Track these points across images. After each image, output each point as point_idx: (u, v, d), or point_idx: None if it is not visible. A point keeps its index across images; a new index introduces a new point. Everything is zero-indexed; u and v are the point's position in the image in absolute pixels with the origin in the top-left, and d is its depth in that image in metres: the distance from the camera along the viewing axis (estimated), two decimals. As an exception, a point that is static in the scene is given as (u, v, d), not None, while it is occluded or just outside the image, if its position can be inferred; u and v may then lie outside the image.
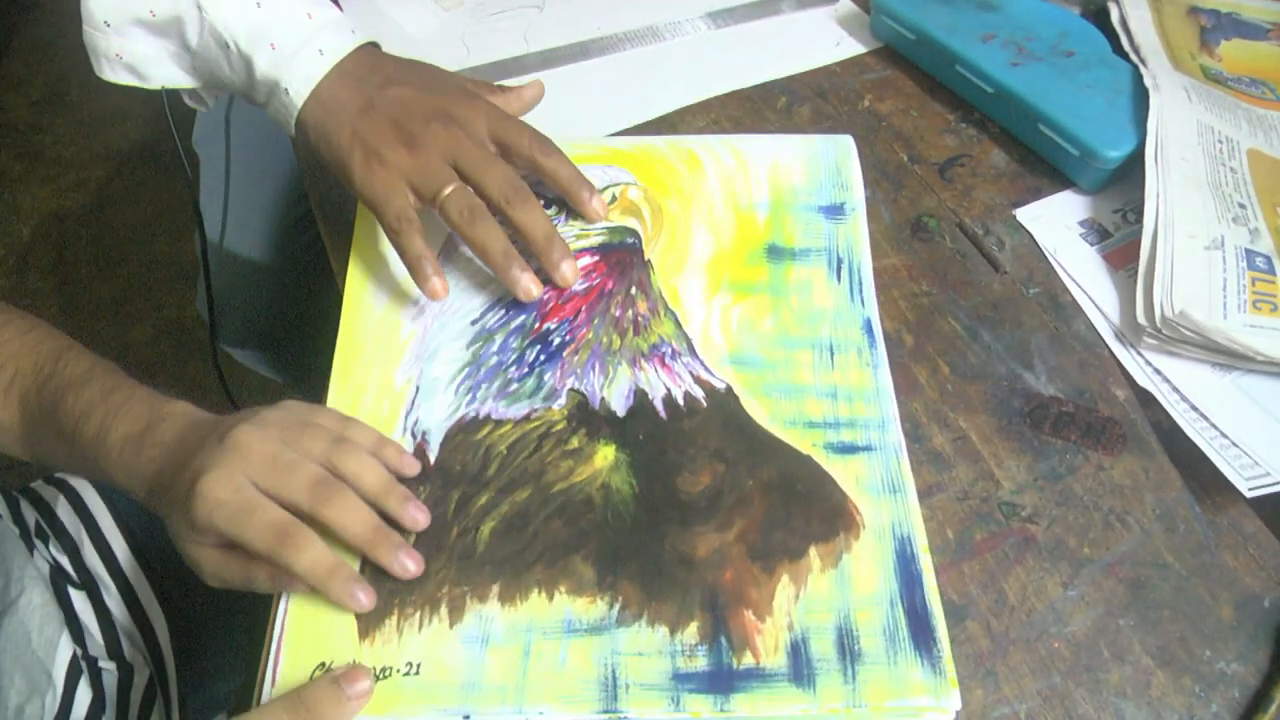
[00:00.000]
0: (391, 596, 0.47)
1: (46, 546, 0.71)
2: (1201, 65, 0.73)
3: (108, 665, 0.72)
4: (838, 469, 0.51)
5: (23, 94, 2.10)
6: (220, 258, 1.02)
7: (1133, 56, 0.72)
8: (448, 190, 0.56)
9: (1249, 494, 0.52)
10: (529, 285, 0.57)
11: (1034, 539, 0.52)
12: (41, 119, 2.06)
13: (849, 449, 0.52)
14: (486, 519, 0.50)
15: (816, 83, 0.76)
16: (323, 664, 0.45)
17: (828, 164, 0.64)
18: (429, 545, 0.49)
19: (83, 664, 0.70)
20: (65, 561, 0.71)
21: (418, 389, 0.55)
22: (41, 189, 1.94)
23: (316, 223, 0.70)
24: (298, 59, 0.58)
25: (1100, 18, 0.77)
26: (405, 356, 0.57)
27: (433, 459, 0.52)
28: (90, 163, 1.98)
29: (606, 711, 0.43)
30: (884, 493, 0.50)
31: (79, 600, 0.71)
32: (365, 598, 0.46)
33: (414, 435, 0.53)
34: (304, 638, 0.46)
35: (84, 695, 0.69)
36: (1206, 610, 0.50)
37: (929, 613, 0.46)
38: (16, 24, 2.22)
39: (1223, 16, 0.77)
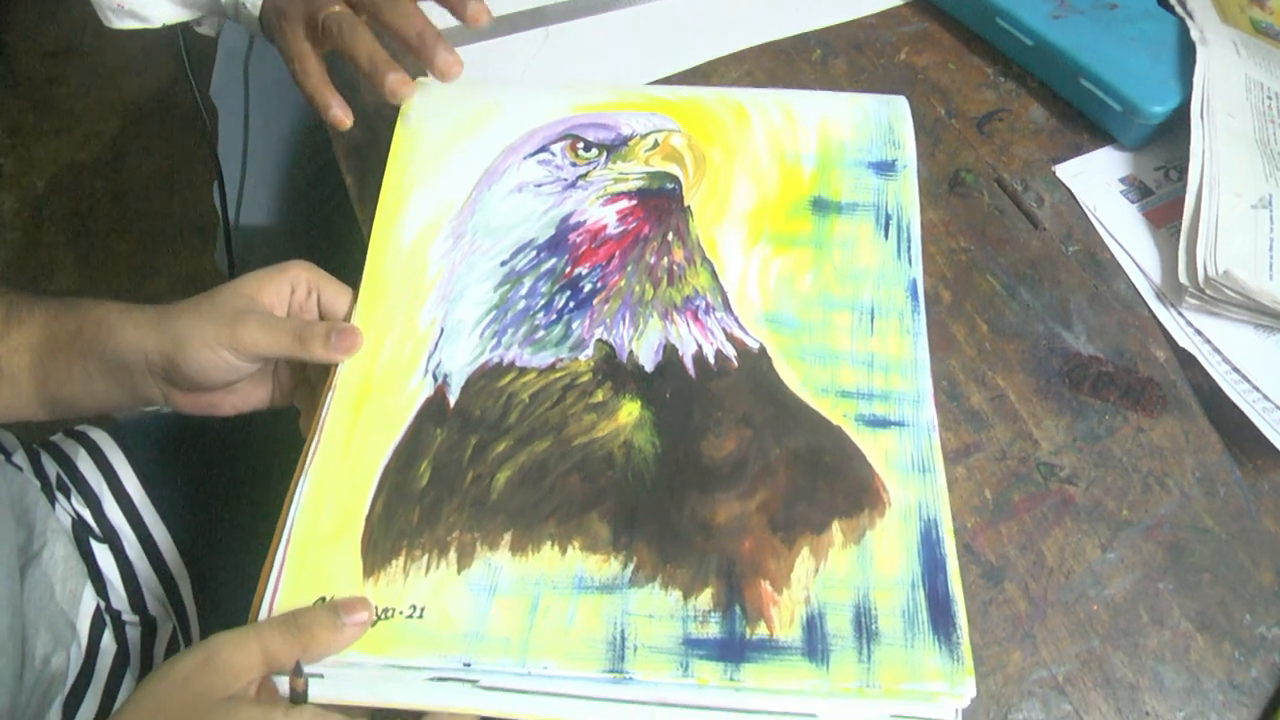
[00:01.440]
0: (400, 537, 0.46)
1: (68, 499, 0.71)
2: (1251, 18, 0.71)
3: (131, 618, 0.72)
4: (867, 443, 0.49)
5: (35, 46, 2.08)
6: (239, 210, 1.02)
7: (1179, 9, 0.70)
8: (324, 12, 0.60)
9: (1292, 457, 0.51)
10: (395, 85, 0.59)
11: (1072, 500, 0.52)
12: (55, 71, 2.04)
13: (881, 423, 0.50)
14: (503, 467, 0.49)
15: (852, 35, 0.75)
16: (323, 599, 0.45)
17: (880, 122, 0.62)
18: (442, 489, 0.48)
19: (106, 617, 0.71)
20: (87, 514, 0.72)
21: (442, 330, 0.54)
22: (56, 141, 1.93)
23: (335, 174, 0.70)
24: None
25: (1145, -31, 0.75)
26: (431, 296, 0.56)
27: (452, 402, 0.52)
28: (105, 115, 1.97)
29: (612, 671, 0.43)
30: (913, 471, 0.48)
31: (101, 553, 0.72)
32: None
33: (435, 378, 0.52)
34: (306, 572, 0.46)
35: (108, 647, 0.69)
36: (1247, 575, 0.50)
37: (950, 599, 0.44)
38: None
39: (1272, -31, 0.75)
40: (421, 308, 0.55)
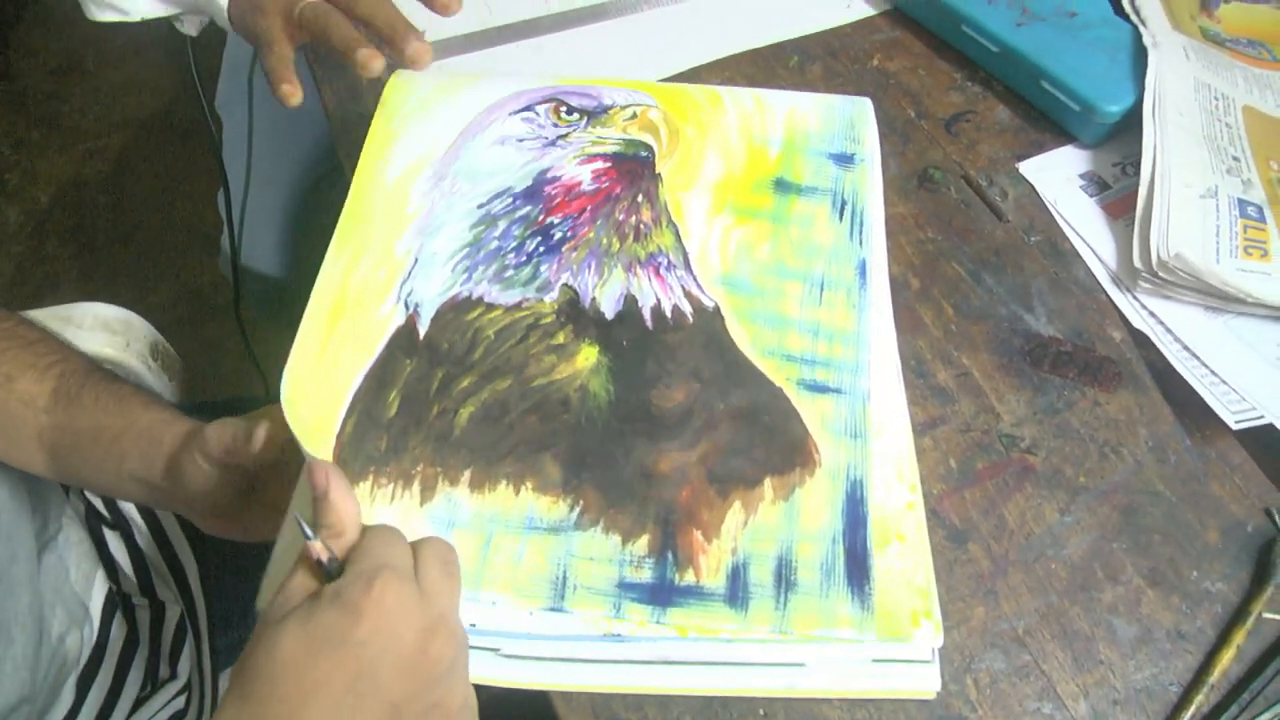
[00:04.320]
0: (368, 462, 0.49)
1: (81, 488, 0.73)
2: (1201, 26, 0.75)
3: (140, 602, 0.75)
4: (805, 406, 0.52)
5: (40, 62, 2.12)
6: (243, 217, 1.04)
7: (1133, 17, 0.74)
8: (300, 4, 0.65)
9: (1236, 427, 0.55)
10: (365, 59, 0.62)
11: (1032, 469, 0.55)
12: (59, 87, 2.08)
13: (820, 388, 0.52)
14: (467, 402, 0.51)
15: (828, 43, 0.79)
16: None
17: (843, 119, 0.65)
18: (409, 420, 0.50)
19: (117, 600, 0.73)
20: (99, 503, 0.74)
21: (416, 260, 0.56)
22: (59, 156, 1.96)
23: (337, 185, 0.73)
24: None
25: (1103, -20, 0.79)
26: (409, 229, 0.58)
27: (422, 334, 0.54)
28: (108, 130, 2.00)
29: (553, 609, 0.45)
30: (844, 436, 0.51)
31: (113, 540, 0.74)
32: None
33: (407, 305, 0.54)
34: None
35: (119, 630, 0.72)
36: (1194, 534, 0.53)
37: (867, 554, 0.47)
38: (31, -6, 2.24)
39: (1223, -21, 0.79)
40: (399, 239, 0.57)
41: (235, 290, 1.09)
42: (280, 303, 1.19)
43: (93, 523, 0.74)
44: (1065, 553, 0.53)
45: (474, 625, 0.45)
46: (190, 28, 0.75)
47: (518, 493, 0.49)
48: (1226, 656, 0.48)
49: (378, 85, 0.65)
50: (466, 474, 0.49)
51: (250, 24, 0.68)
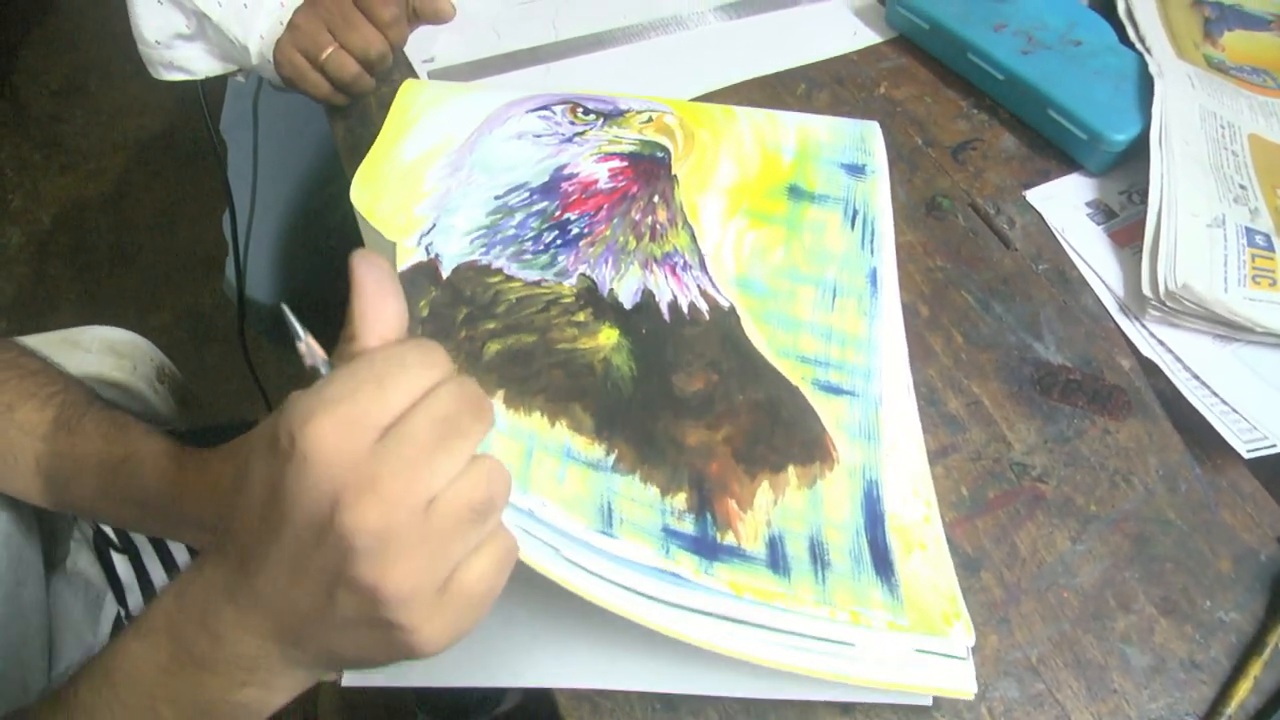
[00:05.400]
0: None
1: (89, 513, 0.73)
2: (1205, 54, 0.75)
3: (149, 627, 0.75)
4: (821, 405, 0.53)
5: (43, 84, 2.13)
6: (248, 239, 1.05)
7: (1138, 45, 0.75)
8: (325, 54, 0.71)
9: (1247, 455, 0.55)
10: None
11: (1043, 497, 0.55)
12: (61, 109, 2.09)
13: (834, 390, 0.53)
14: (492, 340, 0.50)
15: (834, 70, 0.79)
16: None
17: (853, 134, 0.66)
18: (437, 329, 0.49)
19: (125, 624, 0.73)
20: (107, 527, 0.74)
21: (434, 225, 0.56)
22: (62, 177, 1.97)
23: (342, 207, 0.74)
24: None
25: (1107, 8, 0.80)
26: (426, 202, 0.58)
27: (444, 276, 0.53)
28: (109, 152, 2.01)
29: (603, 532, 0.44)
30: (858, 437, 0.52)
31: (121, 564, 0.74)
32: None
33: (428, 252, 0.53)
34: None
35: (127, 653, 0.72)
36: (1206, 563, 0.53)
37: (889, 549, 0.48)
38: (34, 17, 2.24)
39: (1226, 8, 0.80)
40: (417, 205, 0.57)
41: (239, 313, 1.09)
42: (283, 327, 1.19)
43: (101, 547, 0.74)
44: (1077, 581, 0.52)
45: (533, 512, 0.44)
46: (243, 77, 0.82)
47: (553, 425, 0.48)
48: (1244, 688, 0.48)
49: (386, 111, 0.65)
50: (500, 392, 0.48)
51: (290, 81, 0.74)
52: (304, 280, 1.10)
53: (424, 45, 0.80)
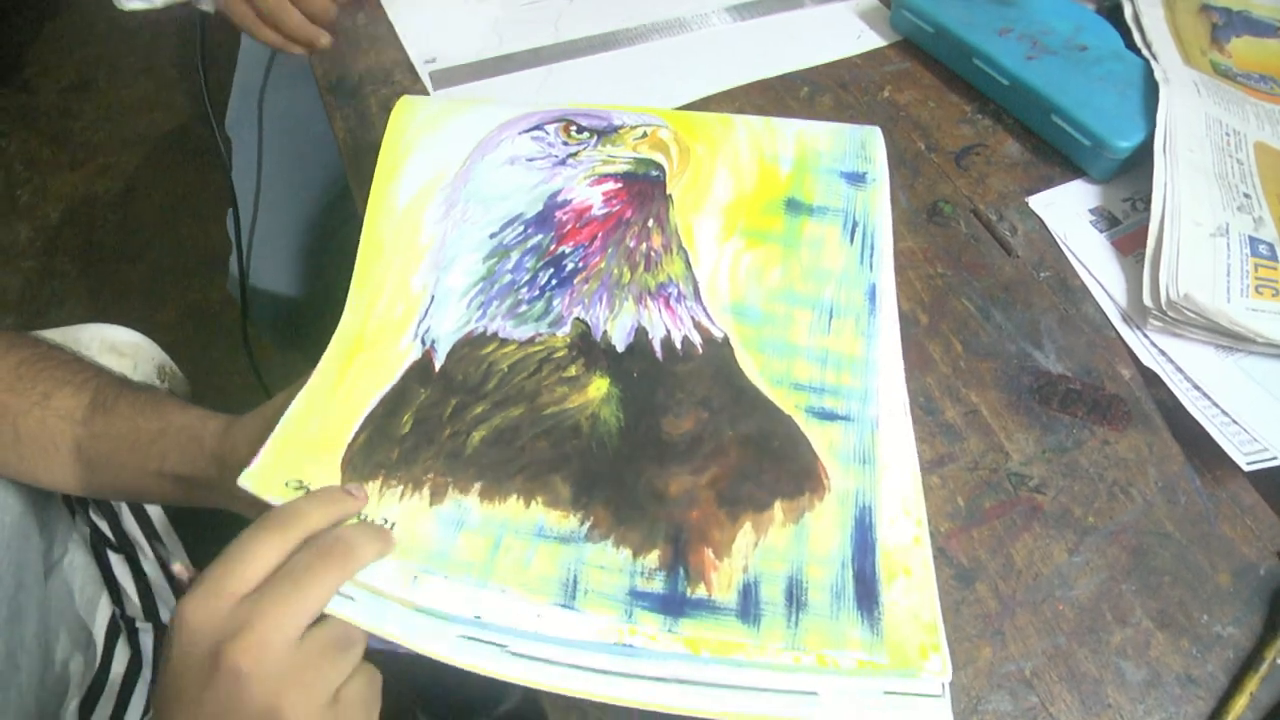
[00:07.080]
0: (378, 467, 0.49)
1: (86, 511, 0.73)
2: (1211, 61, 0.75)
3: (144, 626, 0.75)
4: (814, 432, 0.52)
5: (52, 80, 2.13)
6: (252, 237, 1.05)
7: (1144, 51, 0.74)
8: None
9: (1247, 468, 0.54)
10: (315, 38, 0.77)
11: (1041, 508, 0.55)
12: (70, 105, 2.09)
13: (828, 415, 0.53)
14: (479, 427, 0.52)
15: (838, 74, 0.79)
16: (300, 482, 0.48)
17: (853, 140, 0.66)
18: (421, 438, 0.51)
19: (121, 624, 0.73)
20: (104, 526, 0.74)
21: (432, 298, 0.57)
22: (70, 173, 1.98)
23: (345, 206, 0.74)
24: None
25: (1113, 14, 0.79)
26: (423, 263, 0.59)
27: (438, 367, 0.54)
28: (118, 148, 2.02)
29: (563, 605, 0.45)
30: (853, 463, 0.51)
31: (117, 563, 0.74)
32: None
33: (424, 342, 0.55)
34: (289, 452, 0.50)
35: (122, 654, 0.72)
36: (1205, 577, 0.53)
37: (876, 580, 0.47)
38: (46, 12, 2.25)
39: (1234, 14, 0.79)
40: (414, 273, 0.58)
41: (243, 311, 1.09)
42: (288, 324, 1.20)
43: (98, 546, 0.74)
44: (1073, 594, 0.52)
45: (479, 618, 0.45)
46: (207, 4, 0.81)
47: (528, 506, 0.49)
48: (1240, 704, 0.48)
49: (388, 113, 0.65)
50: (477, 485, 0.50)
51: (228, 11, 0.78)
52: (307, 278, 1.10)
53: (426, 46, 0.80)
